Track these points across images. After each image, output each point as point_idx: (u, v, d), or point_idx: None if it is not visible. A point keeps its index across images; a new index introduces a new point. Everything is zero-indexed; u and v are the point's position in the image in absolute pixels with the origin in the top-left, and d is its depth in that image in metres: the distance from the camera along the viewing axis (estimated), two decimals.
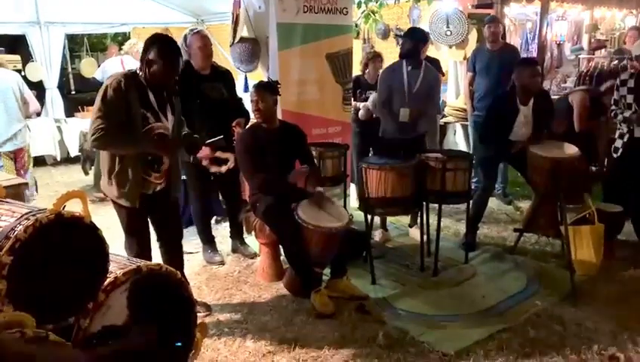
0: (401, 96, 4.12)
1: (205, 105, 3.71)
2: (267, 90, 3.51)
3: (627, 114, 4.11)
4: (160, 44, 2.80)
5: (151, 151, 2.82)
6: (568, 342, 2.94)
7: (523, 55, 7.08)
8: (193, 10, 7.17)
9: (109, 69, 5.70)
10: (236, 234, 4.26)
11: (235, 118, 3.80)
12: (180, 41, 3.63)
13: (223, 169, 3.53)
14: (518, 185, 5.45)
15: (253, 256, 4.11)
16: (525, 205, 5.06)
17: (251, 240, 4.17)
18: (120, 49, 7.98)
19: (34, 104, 4.91)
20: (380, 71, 4.86)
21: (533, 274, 3.76)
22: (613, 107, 4.27)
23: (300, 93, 4.37)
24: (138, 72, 2.83)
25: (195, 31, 3.93)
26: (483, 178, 4.28)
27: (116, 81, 2.73)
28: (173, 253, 3.21)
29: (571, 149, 3.81)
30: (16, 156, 4.63)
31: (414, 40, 4.12)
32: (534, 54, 6.97)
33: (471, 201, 4.06)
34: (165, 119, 2.90)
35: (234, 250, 4.25)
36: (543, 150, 3.75)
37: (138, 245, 3.00)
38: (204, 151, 3.49)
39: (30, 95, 4.85)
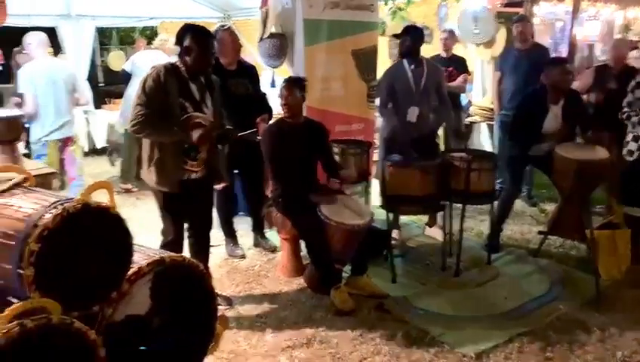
0: (408, 96, 4.08)
1: (231, 101, 3.74)
2: (296, 86, 3.53)
3: None
4: (193, 31, 2.94)
5: (185, 138, 2.89)
6: (591, 347, 2.89)
7: (552, 55, 6.95)
8: (220, 5, 7.19)
9: (139, 61, 5.76)
10: (257, 228, 4.29)
11: (258, 113, 3.82)
12: None
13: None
14: (544, 187, 5.36)
15: (274, 249, 4.14)
16: (550, 207, 4.97)
17: (273, 235, 4.19)
18: (149, 43, 8.09)
19: (85, 96, 5.02)
20: None
21: (557, 278, 3.70)
22: (625, 109, 4.17)
23: (324, 89, 4.37)
24: (177, 63, 2.95)
25: (224, 27, 3.98)
26: (510, 181, 4.21)
27: (156, 71, 2.89)
28: (202, 244, 3.28)
29: (600, 152, 3.73)
30: (63, 145, 4.73)
31: (413, 38, 4.08)
32: (564, 55, 6.83)
33: (495, 202, 4.02)
34: (207, 108, 3.01)
35: (255, 244, 4.28)
36: (569, 152, 3.68)
37: (174, 231, 3.11)
38: None
39: (82, 86, 4.96)
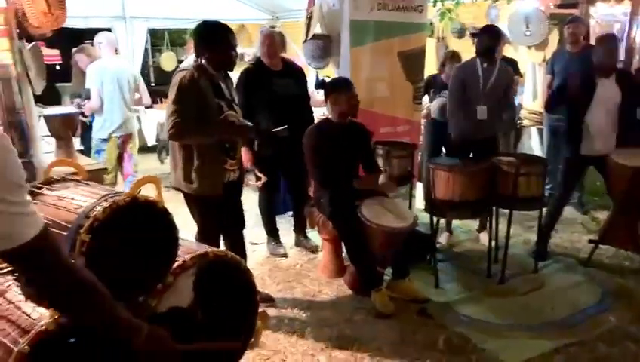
0: (476, 94, 4.02)
1: (274, 100, 3.79)
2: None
3: None
4: (214, 26, 2.93)
5: (227, 137, 2.92)
6: None
7: None
8: (269, 7, 7.30)
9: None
10: (299, 228, 4.31)
11: (301, 114, 3.84)
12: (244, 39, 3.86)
13: (252, 183, 3.59)
14: (596, 195, 5.17)
15: (315, 248, 4.15)
16: (602, 216, 4.79)
17: (314, 235, 4.20)
18: None
19: (146, 97, 5.19)
20: None
21: (608, 289, 3.56)
22: None
23: (369, 90, 4.35)
24: (203, 63, 2.90)
25: (263, 29, 4.04)
26: (561, 185, 4.07)
27: (189, 73, 2.82)
28: (237, 244, 3.28)
29: None
30: (123, 142, 4.91)
31: (491, 37, 4.01)
32: (622, 58, 6.56)
33: (544, 209, 3.90)
34: (237, 106, 3.03)
35: (297, 244, 4.30)
36: (624, 158, 3.54)
37: (211, 236, 3.05)
38: (246, 156, 3.61)
39: (144, 88, 5.14)
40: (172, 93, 2.82)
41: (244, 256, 3.29)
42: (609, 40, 3.86)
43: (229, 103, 2.96)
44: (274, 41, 3.93)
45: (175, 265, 1.66)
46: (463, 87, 4.07)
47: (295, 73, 4.07)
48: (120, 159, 4.96)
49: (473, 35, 4.11)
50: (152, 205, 1.58)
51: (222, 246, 3.23)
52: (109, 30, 7.07)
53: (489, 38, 4.01)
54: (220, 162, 2.96)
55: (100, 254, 1.48)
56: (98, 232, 1.47)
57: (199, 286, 1.71)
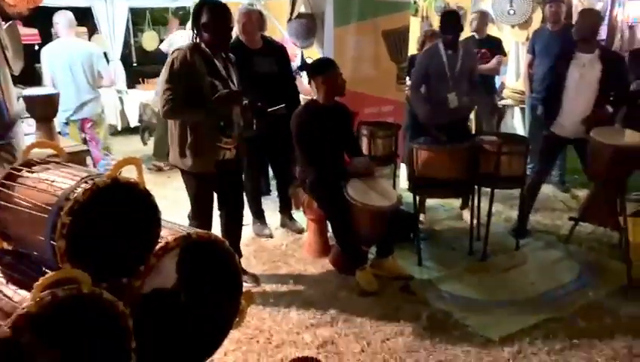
0: (443, 81, 4.02)
1: (254, 79, 3.75)
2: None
3: None
4: (209, 4, 2.90)
5: (220, 110, 2.90)
6: (620, 335, 2.84)
7: None
8: None
9: (176, 41, 5.80)
10: (285, 209, 4.33)
11: (283, 93, 3.82)
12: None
13: None
14: (576, 173, 5.23)
15: (301, 231, 4.17)
16: (583, 193, 4.86)
17: (299, 216, 4.22)
18: (181, 23, 8.13)
19: (108, 77, 4.99)
20: None
21: (587, 265, 3.64)
22: None
23: (354, 70, 4.33)
24: (199, 42, 2.92)
25: (241, 8, 3.98)
26: (538, 161, 4.12)
27: (182, 52, 2.85)
28: (234, 223, 3.33)
29: (635, 137, 3.62)
30: (82, 126, 4.80)
31: (453, 25, 4.01)
32: (603, 36, 6.60)
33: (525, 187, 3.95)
34: (234, 85, 3.02)
35: (282, 225, 4.32)
36: (603, 136, 3.58)
37: (204, 214, 3.12)
38: None
39: (106, 68, 4.94)
40: (165, 71, 2.87)
41: (239, 235, 3.35)
42: (588, 12, 3.90)
43: (224, 82, 2.96)
44: (250, 18, 3.87)
45: (158, 247, 1.67)
46: (425, 74, 4.07)
47: (276, 51, 4.03)
48: (85, 143, 4.80)
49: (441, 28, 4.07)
50: (133, 186, 1.58)
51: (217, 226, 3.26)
52: (89, 9, 6.96)
53: (451, 25, 4.01)
54: (214, 139, 2.98)
55: (81, 236, 1.48)
56: (79, 214, 1.47)
57: (183, 268, 1.72)
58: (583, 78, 3.74)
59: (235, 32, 3.98)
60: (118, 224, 1.56)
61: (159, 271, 1.68)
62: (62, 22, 4.73)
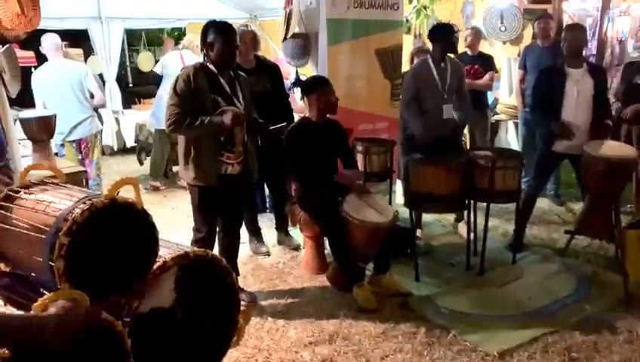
0: (436, 95, 4.06)
1: None
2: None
3: None
4: (214, 26, 3.05)
5: (219, 125, 2.96)
6: (618, 348, 2.85)
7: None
8: (247, 6, 7.29)
9: (169, 63, 5.85)
10: (281, 226, 4.33)
11: (277, 112, 3.85)
12: None
13: None
14: (571, 186, 5.26)
15: (297, 247, 4.18)
16: (578, 207, 4.88)
17: (296, 233, 4.22)
18: (176, 43, 8.21)
19: (98, 97, 4.94)
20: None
21: (584, 278, 3.65)
22: None
23: (348, 88, 4.38)
24: (205, 61, 3.07)
25: (236, 29, 4.01)
26: (534, 176, 4.15)
27: (186, 72, 3.02)
28: (232, 240, 3.38)
29: (627, 150, 3.66)
30: (79, 146, 4.80)
31: (448, 37, 4.05)
32: (594, 51, 6.71)
33: (520, 201, 3.98)
34: (239, 103, 3.10)
35: (279, 242, 4.32)
36: (597, 150, 3.62)
37: (206, 226, 3.21)
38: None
39: (95, 87, 4.90)
40: (171, 88, 3.04)
41: (236, 252, 3.39)
42: (575, 27, 3.96)
43: (228, 99, 3.06)
44: (244, 39, 3.91)
45: (155, 266, 1.67)
46: (416, 90, 4.09)
47: (269, 70, 4.07)
48: (82, 163, 4.80)
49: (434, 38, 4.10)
50: (130, 206, 1.59)
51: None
52: (85, 31, 7.03)
53: (446, 38, 4.05)
54: (215, 153, 3.07)
55: (79, 256, 1.49)
56: (77, 235, 1.47)
57: (181, 287, 1.73)
58: (579, 94, 3.80)
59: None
60: (116, 244, 1.57)
61: (157, 291, 1.68)
62: (48, 45, 4.74)
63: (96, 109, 5.09)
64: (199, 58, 3.21)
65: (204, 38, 3.05)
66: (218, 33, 3.01)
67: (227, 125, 2.96)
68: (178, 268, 1.71)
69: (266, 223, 4.48)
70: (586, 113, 3.82)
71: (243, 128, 3.15)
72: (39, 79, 4.72)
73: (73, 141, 4.76)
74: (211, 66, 3.05)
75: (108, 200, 1.54)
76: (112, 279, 1.57)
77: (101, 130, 5.06)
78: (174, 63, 5.63)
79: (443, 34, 4.08)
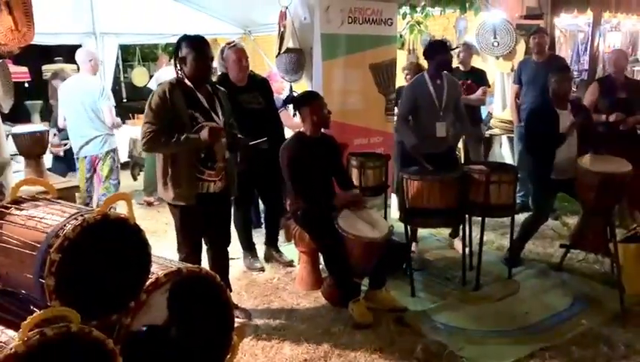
0: (432, 112, 4.07)
1: (243, 115, 3.77)
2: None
3: None
4: (187, 40, 2.98)
5: (196, 141, 2.89)
6: None
7: (574, 67, 6.90)
8: (241, 22, 7.31)
9: (163, 78, 5.83)
10: (271, 242, 4.28)
11: (271, 127, 3.84)
12: (217, 55, 3.93)
13: None
14: (566, 200, 5.27)
15: (289, 263, 4.13)
16: (573, 221, 4.89)
17: (291, 248, 4.19)
18: (170, 59, 8.22)
19: (107, 120, 4.76)
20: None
21: (580, 292, 3.63)
22: None
23: (342, 103, 4.39)
24: (181, 76, 2.98)
25: (231, 45, 4.02)
26: (535, 206, 4.12)
27: (161, 87, 2.93)
28: (220, 258, 3.31)
29: (623, 164, 3.68)
30: (90, 163, 4.78)
31: (443, 53, 4.06)
32: (586, 66, 6.77)
33: (517, 216, 3.97)
34: (218, 117, 3.03)
35: (266, 257, 4.25)
36: (592, 165, 3.63)
37: (190, 247, 3.13)
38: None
39: (107, 110, 4.73)
40: (146, 106, 2.94)
41: (225, 270, 3.33)
42: (562, 77, 3.94)
43: (205, 114, 2.98)
44: (243, 56, 3.89)
45: (148, 283, 1.65)
46: (413, 106, 4.11)
47: (260, 85, 4.05)
48: (92, 180, 4.83)
49: (429, 55, 4.12)
50: (123, 222, 1.58)
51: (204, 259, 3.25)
52: (79, 46, 7.01)
53: (442, 54, 4.06)
54: (193, 171, 2.98)
55: (71, 273, 1.46)
56: (69, 251, 1.45)
57: (174, 303, 1.70)
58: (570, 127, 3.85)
59: (220, 67, 4.03)
60: (109, 260, 1.55)
61: (150, 307, 1.66)
62: (78, 57, 4.82)
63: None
64: None
65: (177, 54, 2.97)
66: (191, 47, 2.93)
67: (205, 141, 2.88)
68: (171, 285, 1.69)
69: (262, 239, 4.44)
70: (575, 146, 3.88)
71: (223, 144, 3.08)
72: (62, 92, 4.76)
73: (85, 157, 4.75)
74: (187, 82, 2.97)
75: (100, 216, 1.52)
76: (104, 296, 1.55)
77: (115, 149, 4.93)
78: (168, 78, 5.63)
79: (438, 51, 4.09)
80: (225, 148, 3.11)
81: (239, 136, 3.24)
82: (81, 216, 1.53)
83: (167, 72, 5.93)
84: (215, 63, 3.59)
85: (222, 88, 3.23)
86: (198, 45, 2.95)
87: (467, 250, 3.93)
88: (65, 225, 1.49)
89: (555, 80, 3.89)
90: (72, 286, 1.46)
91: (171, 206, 3.08)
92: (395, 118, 4.88)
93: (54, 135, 4.94)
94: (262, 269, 4.09)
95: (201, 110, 2.97)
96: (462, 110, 4.27)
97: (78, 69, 5.97)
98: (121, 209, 1.62)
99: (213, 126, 2.94)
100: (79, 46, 7.05)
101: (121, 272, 1.57)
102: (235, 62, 3.88)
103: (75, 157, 4.77)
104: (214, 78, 3.68)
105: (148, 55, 10.14)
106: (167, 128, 2.86)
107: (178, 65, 2.97)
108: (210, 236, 3.26)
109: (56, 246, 1.43)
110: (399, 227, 3.93)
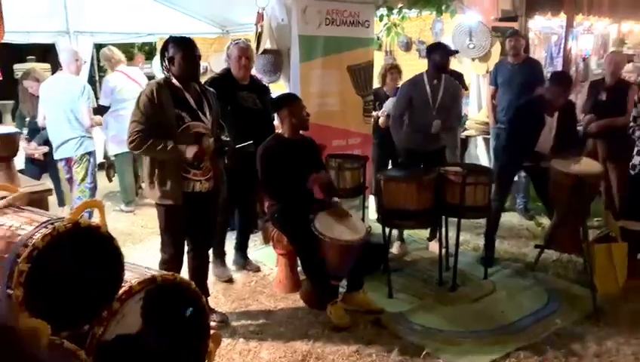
0: (426, 110, 4.11)
1: (237, 112, 3.76)
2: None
3: None
4: (174, 40, 3.00)
5: (180, 155, 2.89)
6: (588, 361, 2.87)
7: (548, 69, 7.00)
8: (218, 21, 7.26)
9: (118, 86, 5.68)
10: (241, 248, 4.21)
11: (263, 129, 3.81)
12: (224, 50, 4.06)
13: None
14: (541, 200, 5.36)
15: (257, 269, 4.10)
16: (547, 221, 4.97)
17: (269, 251, 4.15)
18: (147, 58, 8.12)
19: (84, 121, 4.68)
20: (399, 83, 4.88)
21: (554, 292, 3.70)
22: (631, 123, 4.22)
23: (320, 104, 4.39)
24: (168, 76, 3.01)
25: (236, 42, 4.00)
26: (496, 190, 4.21)
27: (149, 87, 2.95)
28: (201, 260, 3.30)
29: (593, 165, 3.75)
30: (67, 164, 4.70)
31: (442, 55, 4.11)
32: (559, 68, 6.87)
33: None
34: (205, 118, 3.04)
35: (235, 262, 4.17)
36: (565, 166, 3.69)
37: (173, 246, 3.11)
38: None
39: (84, 112, 4.67)
40: (134, 105, 2.96)
41: (205, 275, 3.32)
42: (566, 85, 3.95)
43: (193, 114, 2.99)
44: (246, 54, 3.88)
45: (121, 291, 1.63)
46: (410, 104, 4.16)
47: (260, 89, 4.05)
48: (70, 182, 4.76)
49: (428, 55, 4.18)
50: (94, 230, 1.55)
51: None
52: (53, 46, 6.88)
53: (441, 56, 4.10)
54: (179, 170, 2.98)
55: (40, 283, 1.43)
56: (38, 261, 1.42)
57: (148, 312, 1.68)
58: (551, 130, 3.96)
59: (225, 63, 4.01)
60: (80, 269, 1.52)
61: (123, 316, 1.63)
62: (64, 59, 4.72)
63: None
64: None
65: (164, 54, 2.99)
66: (178, 47, 2.96)
67: (188, 160, 2.90)
68: (145, 293, 1.66)
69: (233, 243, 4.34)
70: (549, 141, 3.96)
71: (210, 143, 3.05)
72: (43, 90, 4.66)
73: (61, 159, 4.65)
74: (175, 81, 2.99)
75: (70, 224, 1.49)
76: (76, 306, 1.52)
77: (92, 152, 4.84)
78: (121, 84, 5.55)
79: (434, 52, 4.15)
80: (212, 148, 3.08)
81: (225, 138, 3.22)
82: (51, 224, 1.50)
83: (117, 79, 5.74)
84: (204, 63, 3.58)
85: (211, 89, 3.23)
86: (185, 45, 2.98)
87: (443, 250, 3.96)
88: (34, 234, 1.46)
89: (554, 90, 3.88)
90: (42, 296, 1.43)
91: (157, 205, 3.09)
92: (373, 120, 4.92)
93: (26, 138, 4.83)
94: (230, 279, 3.92)
95: (188, 110, 2.99)
96: (455, 112, 4.32)
97: (53, 68, 5.90)
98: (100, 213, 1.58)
99: (202, 147, 2.92)
100: (52, 45, 6.93)
101: (93, 281, 1.54)
102: (235, 59, 3.89)
103: (55, 159, 4.68)
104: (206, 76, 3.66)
105: (124, 54, 10.00)
106: (155, 127, 2.89)
107: (166, 65, 3.00)
108: (193, 238, 3.23)
109: (24, 256, 1.40)
110: (377, 228, 3.94)
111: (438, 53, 4.12)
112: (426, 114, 4.12)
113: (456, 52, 4.47)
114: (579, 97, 5.12)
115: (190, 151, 2.88)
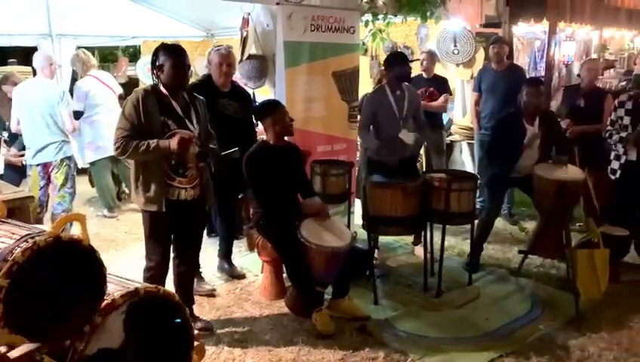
0: (393, 121, 4.11)
1: (218, 120, 3.72)
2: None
3: (624, 134, 4.16)
4: (164, 48, 3.00)
5: (165, 149, 2.88)
6: None
7: (531, 74, 7.08)
8: (203, 25, 7.23)
9: (91, 92, 5.59)
10: (225, 254, 4.17)
11: (244, 137, 3.80)
12: (205, 56, 4.03)
13: None
14: (525, 206, 5.41)
15: (241, 276, 4.07)
16: (531, 226, 5.02)
17: (254, 258, 4.13)
18: (131, 61, 8.06)
19: (67, 125, 4.66)
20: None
21: (538, 298, 3.73)
22: (609, 127, 4.29)
23: (306, 110, 4.39)
24: (156, 83, 3.01)
25: (217, 48, 3.97)
26: (489, 200, 4.26)
27: (136, 95, 2.94)
28: (187, 267, 3.27)
29: (576, 172, 3.80)
30: (44, 170, 4.63)
31: (402, 65, 4.11)
32: (542, 73, 6.96)
33: (476, 222, 4.05)
34: (192, 126, 3.03)
35: (220, 269, 4.14)
36: (548, 172, 3.73)
37: (158, 253, 3.09)
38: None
39: (66, 115, 4.64)
40: (120, 112, 2.97)
41: (190, 284, 3.30)
42: (535, 86, 4.03)
43: (179, 121, 2.98)
44: (227, 61, 3.85)
45: (104, 304, 1.60)
46: (374, 117, 4.15)
47: (241, 97, 4.02)
48: (47, 188, 4.68)
49: (388, 66, 4.17)
50: (76, 243, 1.53)
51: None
52: (35, 48, 6.79)
53: (401, 66, 4.10)
54: (163, 177, 2.97)
55: (20, 299, 1.41)
56: (18, 276, 1.40)
57: (130, 325, 1.66)
58: (532, 145, 4.01)
59: (206, 69, 3.98)
60: (61, 283, 1.50)
61: (105, 330, 1.61)
62: (37, 63, 4.64)
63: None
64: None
65: (154, 61, 2.99)
66: (168, 55, 2.95)
67: (174, 150, 2.86)
68: (128, 306, 1.64)
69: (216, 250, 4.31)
70: (536, 150, 4.03)
71: (195, 151, 3.04)
72: (16, 94, 4.58)
73: (38, 165, 4.58)
74: (163, 89, 2.99)
75: (51, 238, 1.47)
76: (57, 320, 1.50)
77: (70, 157, 4.79)
78: (94, 88, 5.47)
79: (396, 63, 4.14)
80: (197, 156, 3.06)
81: (212, 146, 3.21)
82: (32, 238, 1.47)
83: (89, 84, 5.65)
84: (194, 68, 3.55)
85: (200, 97, 3.21)
86: (175, 54, 2.98)
87: (428, 256, 3.98)
88: (14, 249, 1.43)
89: (525, 93, 3.95)
90: (22, 311, 1.41)
91: (142, 212, 3.07)
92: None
93: (5, 141, 4.76)
94: (212, 293, 3.81)
95: (174, 117, 2.98)
96: (422, 119, 4.33)
97: (34, 71, 5.79)
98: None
99: (184, 135, 2.91)
100: (35, 48, 6.84)
101: (74, 295, 1.52)
102: (216, 66, 3.86)
103: (27, 164, 4.58)
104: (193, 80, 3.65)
105: (107, 56, 9.92)
106: (140, 134, 2.88)
107: (155, 72, 2.99)
108: (178, 244, 3.21)
109: (4, 271, 1.37)
110: (363, 233, 3.94)
111: (399, 64, 4.12)
112: (392, 125, 4.12)
113: (414, 60, 4.48)
114: (552, 103, 5.20)
115: (174, 142, 2.85)
